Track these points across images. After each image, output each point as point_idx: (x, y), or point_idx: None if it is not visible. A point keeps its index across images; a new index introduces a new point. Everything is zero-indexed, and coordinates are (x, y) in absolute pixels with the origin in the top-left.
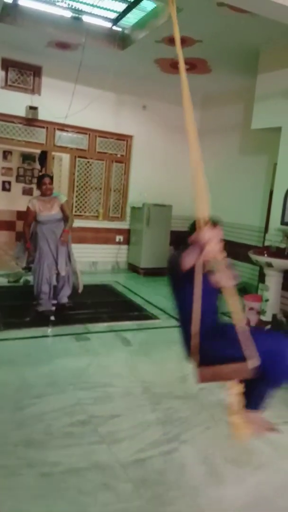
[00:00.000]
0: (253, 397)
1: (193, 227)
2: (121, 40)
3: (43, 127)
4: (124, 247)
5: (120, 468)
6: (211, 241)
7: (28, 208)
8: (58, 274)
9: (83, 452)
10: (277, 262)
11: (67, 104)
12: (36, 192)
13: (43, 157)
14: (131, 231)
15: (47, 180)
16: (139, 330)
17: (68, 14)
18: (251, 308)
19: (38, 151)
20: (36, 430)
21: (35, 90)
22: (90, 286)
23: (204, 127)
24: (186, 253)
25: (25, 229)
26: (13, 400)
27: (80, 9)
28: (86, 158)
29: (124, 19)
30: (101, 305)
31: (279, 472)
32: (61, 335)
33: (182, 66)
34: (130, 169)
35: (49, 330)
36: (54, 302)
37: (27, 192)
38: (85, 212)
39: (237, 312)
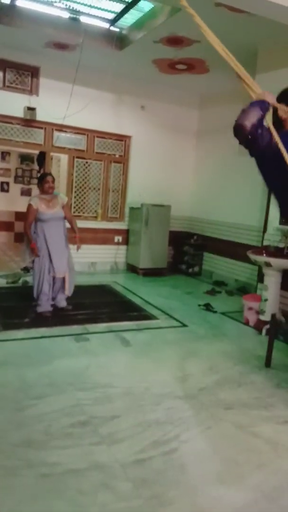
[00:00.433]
0: None
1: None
2: (119, 41)
3: (41, 128)
4: (123, 247)
5: (120, 468)
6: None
7: (30, 206)
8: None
9: (83, 452)
10: (276, 261)
11: (65, 104)
12: (35, 192)
13: (42, 158)
14: (129, 231)
15: (49, 178)
16: (139, 330)
17: (66, 14)
18: (250, 308)
19: (36, 151)
20: (36, 431)
21: (33, 91)
22: (89, 286)
23: (203, 127)
24: (244, 111)
25: (27, 229)
26: (13, 401)
27: (77, 9)
28: (84, 158)
29: (121, 19)
30: (100, 305)
31: (278, 471)
32: (60, 335)
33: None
34: (128, 170)
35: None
36: (52, 303)
37: (25, 192)
38: (83, 212)
39: None
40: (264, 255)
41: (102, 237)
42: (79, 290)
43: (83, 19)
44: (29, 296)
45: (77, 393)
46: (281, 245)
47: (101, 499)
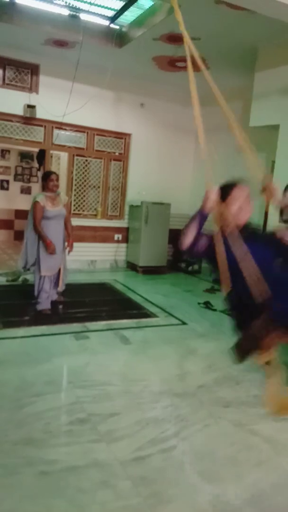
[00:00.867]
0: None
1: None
2: (119, 38)
3: (41, 126)
4: (123, 245)
5: (119, 466)
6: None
7: (38, 203)
8: None
9: (82, 450)
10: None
11: (65, 102)
12: (34, 190)
13: (41, 156)
14: (129, 229)
15: (54, 176)
16: (138, 328)
17: (66, 12)
18: None
19: (36, 149)
20: (35, 429)
21: (32, 88)
22: (88, 284)
23: (202, 125)
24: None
25: (38, 226)
26: (12, 399)
27: (77, 7)
28: (84, 156)
29: (121, 17)
30: (99, 303)
31: (277, 469)
32: (60, 333)
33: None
34: (128, 167)
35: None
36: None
37: (25, 191)
38: (83, 210)
39: None
40: None
41: (102, 235)
42: (79, 288)
43: (82, 16)
44: (29, 294)
45: (76, 391)
46: None
47: (100, 497)
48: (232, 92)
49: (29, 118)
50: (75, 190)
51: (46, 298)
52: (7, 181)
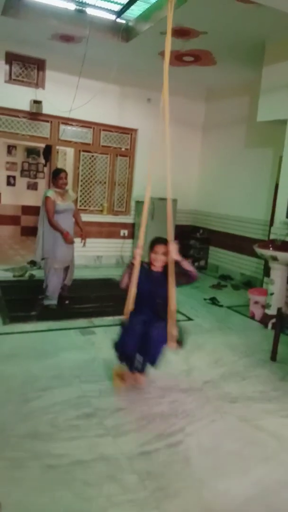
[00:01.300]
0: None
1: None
2: (125, 33)
3: (47, 121)
4: (129, 241)
5: (126, 460)
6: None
7: (49, 198)
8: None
9: (89, 444)
10: (282, 255)
11: (71, 97)
12: (41, 186)
13: (48, 152)
14: (135, 225)
15: (64, 175)
16: None
17: (72, 6)
18: (256, 302)
19: (42, 145)
20: (42, 423)
21: (39, 84)
22: (94, 280)
23: (209, 120)
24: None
25: (52, 220)
26: (19, 393)
27: (83, 1)
28: (90, 152)
29: (128, 11)
30: (106, 299)
31: (283, 465)
32: (66, 329)
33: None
34: (134, 163)
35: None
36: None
37: (31, 186)
38: (89, 206)
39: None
40: (271, 248)
41: (108, 231)
42: (85, 283)
43: (89, 11)
44: (36, 289)
45: (82, 385)
46: None
47: (107, 491)
48: (240, 87)
49: (35, 114)
50: (81, 185)
51: (53, 293)
52: (14, 177)
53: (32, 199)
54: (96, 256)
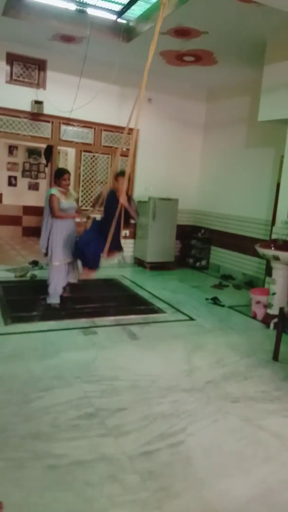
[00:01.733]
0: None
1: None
2: (126, 33)
3: (49, 122)
4: (130, 241)
5: (127, 460)
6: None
7: (54, 196)
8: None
9: (90, 444)
10: (284, 255)
11: (72, 98)
12: (42, 186)
13: (49, 152)
14: (137, 225)
15: (67, 175)
16: (146, 324)
17: (73, 7)
18: (257, 302)
19: (43, 145)
20: (43, 423)
21: (40, 84)
22: (96, 280)
23: (210, 119)
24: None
25: (58, 212)
26: (21, 393)
27: (84, 1)
28: (91, 152)
29: (129, 11)
30: (107, 299)
31: (285, 465)
32: (68, 329)
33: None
34: (135, 163)
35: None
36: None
37: (33, 187)
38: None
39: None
40: (273, 248)
41: None
42: (87, 283)
43: (90, 11)
44: (37, 289)
45: (84, 385)
46: None
47: (108, 491)
48: (241, 87)
49: (36, 114)
50: (82, 185)
51: (55, 290)
52: (15, 177)
53: (33, 199)
54: None
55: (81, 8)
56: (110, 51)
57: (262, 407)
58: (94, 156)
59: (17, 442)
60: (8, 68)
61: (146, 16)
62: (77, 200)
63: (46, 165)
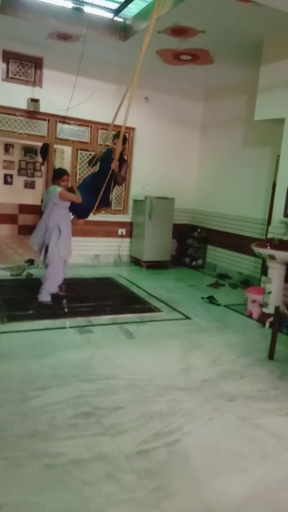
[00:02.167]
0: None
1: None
2: (123, 31)
3: (45, 120)
4: (127, 240)
5: (124, 459)
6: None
7: (62, 190)
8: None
9: (87, 443)
10: (280, 254)
11: (68, 96)
12: (38, 185)
13: (45, 150)
14: (133, 224)
15: (66, 177)
16: (142, 322)
17: (69, 5)
18: (253, 301)
19: (40, 144)
20: (40, 422)
21: (36, 82)
22: (92, 279)
23: (207, 119)
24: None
25: (74, 198)
26: (17, 392)
27: None
28: (88, 150)
29: (125, 9)
30: (103, 298)
31: (282, 463)
32: (64, 327)
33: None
34: (132, 162)
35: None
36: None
37: (29, 185)
38: None
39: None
40: (268, 247)
41: (105, 230)
42: (83, 282)
43: (86, 9)
44: (33, 288)
45: (81, 384)
46: (286, 237)
47: (105, 490)
48: (238, 86)
49: (32, 112)
50: (78, 184)
51: (48, 289)
52: (11, 176)
53: (29, 197)
54: (94, 255)
55: (78, 6)
56: (107, 49)
57: (259, 405)
58: (90, 154)
59: (14, 441)
60: (4, 66)
61: (143, 15)
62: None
63: (42, 164)
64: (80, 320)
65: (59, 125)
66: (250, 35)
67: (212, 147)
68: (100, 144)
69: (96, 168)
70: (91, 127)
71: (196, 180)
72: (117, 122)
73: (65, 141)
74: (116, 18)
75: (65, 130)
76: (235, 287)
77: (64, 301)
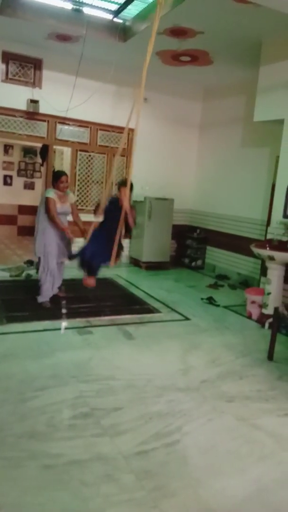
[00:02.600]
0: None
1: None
2: (122, 32)
3: (44, 121)
4: (126, 241)
5: (123, 460)
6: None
7: (50, 198)
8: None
9: (86, 444)
10: (279, 255)
11: (68, 97)
12: (38, 186)
13: (45, 151)
14: (132, 228)
15: (65, 178)
16: (141, 323)
17: (69, 6)
18: (253, 302)
19: (39, 145)
20: (39, 422)
21: (36, 83)
22: None
23: (206, 119)
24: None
25: (56, 219)
26: (16, 393)
27: (80, 0)
28: (87, 151)
29: (125, 10)
30: (103, 299)
31: (281, 464)
32: (64, 329)
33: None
34: (131, 163)
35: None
36: (53, 293)
37: (28, 186)
38: (86, 206)
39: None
40: (268, 248)
41: None
42: (82, 283)
43: (86, 10)
44: (32, 289)
45: (80, 385)
46: (285, 238)
47: (104, 491)
48: (237, 86)
49: (32, 113)
50: (78, 185)
51: (46, 290)
52: (11, 177)
53: (29, 198)
54: None
55: (78, 7)
56: (107, 50)
57: (257, 406)
58: (90, 155)
59: (13, 442)
60: (3, 66)
61: (142, 16)
62: (75, 204)
63: (41, 165)
64: (79, 321)
65: (59, 126)
66: (249, 36)
67: (211, 148)
68: (100, 146)
69: (101, 218)
70: (90, 128)
71: (195, 180)
72: (115, 123)
73: (64, 142)
74: (115, 19)
75: (64, 131)
76: (234, 288)
77: (63, 302)
